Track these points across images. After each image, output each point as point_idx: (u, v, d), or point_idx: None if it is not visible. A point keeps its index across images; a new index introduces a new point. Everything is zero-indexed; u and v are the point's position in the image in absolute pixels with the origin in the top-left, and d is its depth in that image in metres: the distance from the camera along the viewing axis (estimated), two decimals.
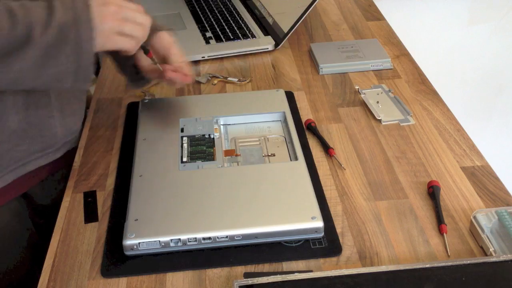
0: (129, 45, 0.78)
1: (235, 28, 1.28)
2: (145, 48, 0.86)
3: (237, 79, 1.11)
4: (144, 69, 0.92)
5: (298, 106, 1.03)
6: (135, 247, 0.72)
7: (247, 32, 1.26)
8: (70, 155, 0.94)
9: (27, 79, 0.71)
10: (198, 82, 1.11)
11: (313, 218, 0.74)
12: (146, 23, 0.80)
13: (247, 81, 1.11)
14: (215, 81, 1.11)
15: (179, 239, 0.72)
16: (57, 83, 0.73)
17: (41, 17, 0.69)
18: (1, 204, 0.87)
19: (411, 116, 1.00)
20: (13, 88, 0.75)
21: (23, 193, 0.91)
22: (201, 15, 1.35)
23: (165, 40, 0.89)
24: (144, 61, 0.90)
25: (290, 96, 1.05)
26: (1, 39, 0.66)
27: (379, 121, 0.99)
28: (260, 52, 1.21)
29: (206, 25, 1.30)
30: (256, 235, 0.73)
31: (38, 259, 0.95)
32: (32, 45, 0.68)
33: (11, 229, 0.90)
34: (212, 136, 0.91)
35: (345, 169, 0.88)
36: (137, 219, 0.74)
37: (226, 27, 1.29)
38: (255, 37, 1.24)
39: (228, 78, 1.11)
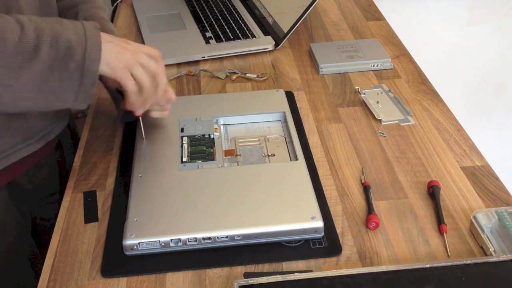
0: (132, 88, 0.78)
1: (235, 28, 1.28)
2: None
3: (256, 75, 1.11)
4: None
5: (298, 106, 1.03)
6: (135, 247, 0.72)
7: (247, 32, 1.26)
8: (51, 144, 0.95)
9: (29, 92, 0.71)
10: (217, 78, 1.11)
11: (313, 218, 0.74)
12: (158, 79, 0.79)
13: (266, 77, 1.11)
14: (234, 77, 1.11)
15: (179, 239, 0.72)
16: (58, 101, 0.73)
17: (50, 32, 0.70)
18: None
19: (411, 116, 1.00)
20: (12, 107, 0.74)
21: (7, 182, 0.92)
22: (201, 15, 1.35)
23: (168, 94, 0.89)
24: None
25: (290, 96, 1.05)
26: (11, 48, 0.67)
27: (379, 121, 0.99)
28: (260, 52, 1.21)
29: (206, 25, 1.30)
30: (256, 235, 0.73)
31: (25, 246, 0.97)
32: (40, 58, 0.69)
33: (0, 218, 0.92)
34: (212, 136, 0.91)
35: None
36: (137, 219, 0.74)
37: (226, 27, 1.29)
38: (255, 37, 1.24)
39: (247, 74, 1.12)
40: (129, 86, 0.77)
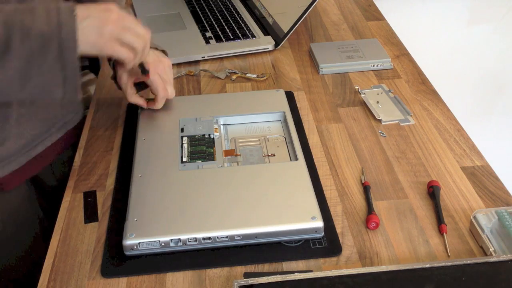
0: (127, 56, 0.77)
1: (235, 28, 1.28)
2: (144, 68, 0.86)
3: (256, 75, 1.11)
4: (122, 88, 0.93)
5: (298, 106, 1.03)
6: (135, 247, 0.72)
7: (247, 32, 1.26)
8: (71, 135, 0.96)
9: (12, 91, 0.69)
10: (217, 78, 1.11)
11: (313, 218, 0.74)
12: (146, 36, 0.79)
13: (266, 77, 1.11)
14: (234, 77, 1.11)
15: (179, 239, 0.72)
16: (46, 94, 0.72)
17: (19, 25, 0.66)
18: (11, 188, 0.88)
19: (411, 116, 1.00)
20: (6, 100, 0.74)
21: (31, 177, 0.92)
22: (201, 15, 1.35)
23: (167, 69, 0.91)
24: (124, 81, 0.91)
25: (290, 96, 1.05)
26: None
27: (379, 121, 0.99)
28: (260, 52, 1.21)
29: (206, 25, 1.30)
30: (256, 235, 0.73)
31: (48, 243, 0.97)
32: (12, 54, 0.66)
33: (23, 214, 0.92)
34: (212, 136, 0.91)
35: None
36: (137, 219, 0.74)
37: (226, 27, 1.29)
38: (255, 37, 1.24)
39: (247, 74, 1.12)
40: (122, 54, 0.75)
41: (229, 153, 0.89)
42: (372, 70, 1.14)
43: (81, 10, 0.71)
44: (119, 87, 0.94)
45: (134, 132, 0.93)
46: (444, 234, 0.76)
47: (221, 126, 0.95)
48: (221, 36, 1.25)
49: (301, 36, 1.28)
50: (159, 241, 0.72)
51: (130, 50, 0.77)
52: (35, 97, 0.73)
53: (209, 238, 0.72)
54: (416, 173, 0.87)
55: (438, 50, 1.84)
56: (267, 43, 1.22)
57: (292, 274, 0.65)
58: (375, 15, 1.38)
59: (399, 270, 0.65)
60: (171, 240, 0.72)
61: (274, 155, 0.89)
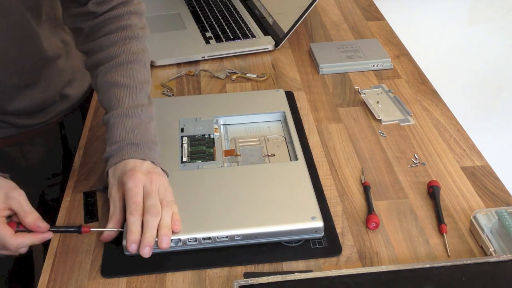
0: None
1: (235, 28, 1.28)
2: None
3: (256, 75, 1.11)
4: None
5: (298, 106, 1.03)
6: None
7: (247, 32, 1.26)
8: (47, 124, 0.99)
9: None
10: (217, 78, 1.11)
11: (313, 218, 0.74)
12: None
13: (266, 77, 1.11)
14: (234, 77, 1.11)
15: (179, 239, 0.72)
16: None
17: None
18: None
19: (411, 116, 1.00)
20: None
21: None
22: (201, 15, 1.35)
23: (160, 186, 0.75)
24: None
25: (290, 96, 1.05)
26: None
27: (379, 121, 0.99)
28: (260, 52, 1.21)
29: (206, 25, 1.30)
30: (256, 235, 0.73)
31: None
32: None
33: None
34: (212, 136, 0.91)
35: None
36: None
37: (226, 27, 1.29)
38: (255, 37, 1.24)
39: (247, 74, 1.12)
40: None
41: (229, 153, 0.89)
42: (372, 70, 1.14)
43: None
44: None
45: None
46: (444, 234, 0.76)
47: (221, 126, 0.95)
48: (221, 36, 1.25)
49: (301, 36, 1.28)
50: None
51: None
52: None
53: (209, 238, 0.72)
54: (416, 173, 0.87)
55: (438, 50, 1.84)
56: (267, 43, 1.22)
57: (292, 274, 0.65)
58: (375, 15, 1.38)
59: (399, 270, 0.65)
60: (171, 240, 0.72)
61: (274, 155, 0.89)
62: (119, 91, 0.80)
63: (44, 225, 0.70)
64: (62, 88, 0.98)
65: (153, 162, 0.77)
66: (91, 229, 0.73)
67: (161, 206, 0.72)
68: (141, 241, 0.69)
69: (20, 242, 0.69)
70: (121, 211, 0.73)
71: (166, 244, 0.70)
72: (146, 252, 0.69)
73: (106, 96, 0.81)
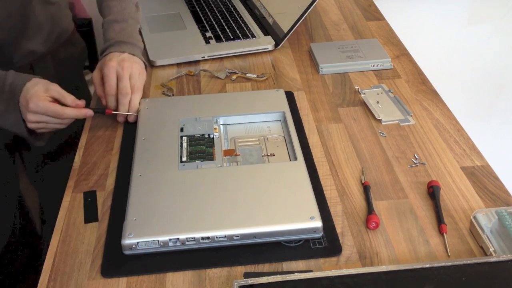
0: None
1: (235, 28, 1.28)
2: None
3: (256, 75, 1.11)
4: None
5: (298, 106, 1.03)
6: (133, 246, 0.72)
7: (247, 32, 1.26)
8: None
9: None
10: (217, 78, 1.11)
11: (311, 218, 0.73)
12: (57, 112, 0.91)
13: (266, 77, 1.11)
14: (234, 77, 1.11)
15: (178, 238, 0.72)
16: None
17: None
18: None
19: (411, 116, 1.00)
20: None
21: None
22: (201, 15, 1.35)
23: (135, 72, 0.99)
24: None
25: (290, 96, 1.05)
26: None
27: (379, 121, 0.99)
28: (260, 52, 1.21)
29: (206, 25, 1.30)
30: (254, 235, 0.73)
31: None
32: None
33: None
34: (211, 136, 0.91)
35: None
36: (136, 219, 0.74)
37: (226, 27, 1.28)
38: (255, 37, 1.24)
39: (247, 74, 1.12)
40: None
41: (228, 153, 0.89)
42: (372, 70, 1.14)
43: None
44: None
45: (134, 132, 0.93)
46: (444, 234, 0.76)
47: (221, 126, 0.95)
48: (221, 36, 1.25)
49: (301, 36, 1.28)
50: (158, 240, 0.72)
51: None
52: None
53: (208, 237, 0.72)
54: (416, 173, 0.87)
55: (438, 50, 1.83)
56: (267, 43, 1.22)
57: (292, 274, 0.65)
58: (375, 15, 1.38)
59: (399, 270, 0.65)
60: (169, 239, 0.72)
61: (273, 155, 0.89)
62: (111, 2, 1.06)
63: (81, 102, 0.92)
64: None
65: (133, 55, 0.98)
66: (113, 112, 0.96)
67: (131, 90, 0.95)
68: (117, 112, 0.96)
69: (67, 112, 0.90)
70: (101, 90, 0.97)
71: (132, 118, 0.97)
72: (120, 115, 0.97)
73: (102, 7, 1.07)
